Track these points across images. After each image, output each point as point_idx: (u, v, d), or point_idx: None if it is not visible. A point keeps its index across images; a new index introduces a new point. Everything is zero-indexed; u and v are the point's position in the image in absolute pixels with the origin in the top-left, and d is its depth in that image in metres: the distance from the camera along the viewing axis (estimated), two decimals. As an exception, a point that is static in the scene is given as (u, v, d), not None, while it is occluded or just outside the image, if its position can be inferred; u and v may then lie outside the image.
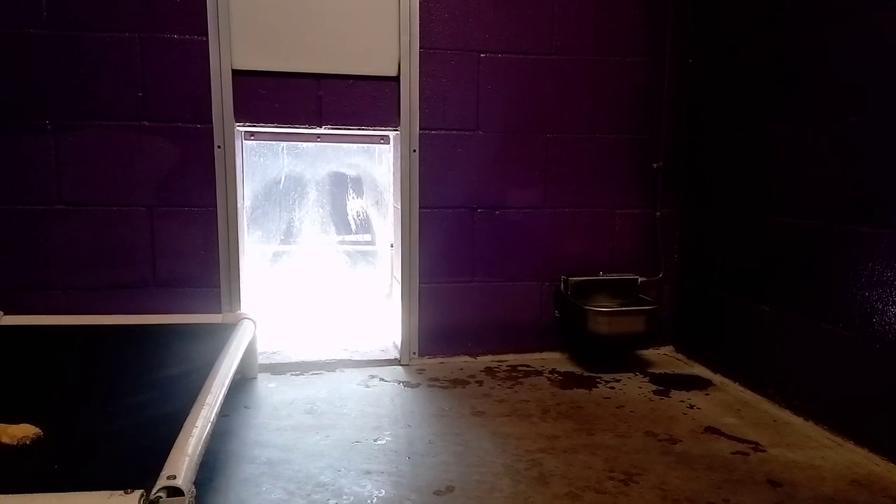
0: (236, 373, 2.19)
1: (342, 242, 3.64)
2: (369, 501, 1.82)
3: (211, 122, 2.80)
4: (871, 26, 2.16)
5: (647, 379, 2.94)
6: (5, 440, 1.56)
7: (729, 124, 2.91)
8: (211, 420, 1.67)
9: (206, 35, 2.74)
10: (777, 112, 2.60)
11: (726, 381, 2.91)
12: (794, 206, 2.52)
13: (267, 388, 2.73)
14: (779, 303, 2.60)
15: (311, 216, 3.57)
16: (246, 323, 2.68)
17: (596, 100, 3.13)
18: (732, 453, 2.17)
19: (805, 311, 2.47)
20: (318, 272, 3.62)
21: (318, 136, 3.05)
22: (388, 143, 3.22)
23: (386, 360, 3.10)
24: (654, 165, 3.22)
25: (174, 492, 1.30)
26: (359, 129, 2.98)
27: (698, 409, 2.57)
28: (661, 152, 3.23)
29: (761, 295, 2.71)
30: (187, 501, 1.31)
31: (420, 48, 2.93)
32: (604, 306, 3.06)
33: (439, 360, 3.14)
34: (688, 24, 3.16)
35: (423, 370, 3.01)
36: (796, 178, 2.51)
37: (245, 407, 2.51)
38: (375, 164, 3.57)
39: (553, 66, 3.07)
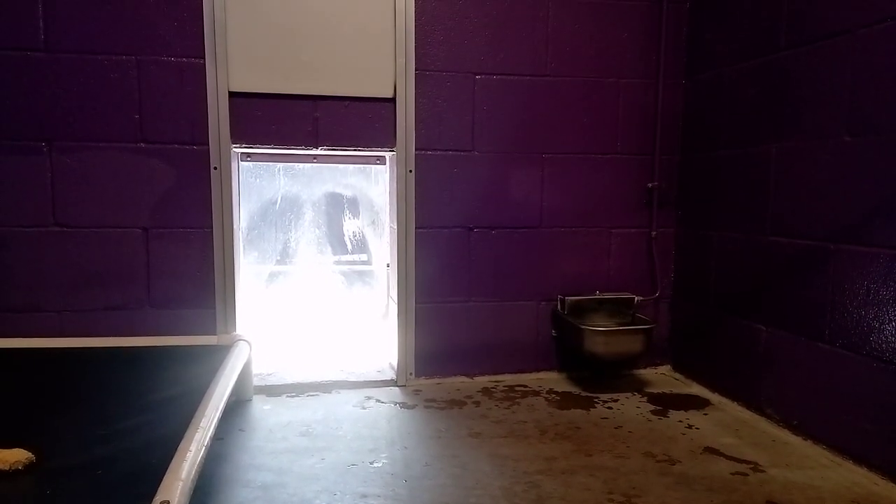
0: (231, 395, 2.17)
1: (338, 263, 3.63)
2: (365, 526, 1.80)
3: (207, 144, 2.81)
4: (862, 46, 2.19)
5: (645, 399, 2.92)
6: (-4, 465, 1.54)
7: (724, 143, 2.93)
8: (205, 444, 1.65)
9: (203, 57, 2.76)
10: (771, 131, 2.62)
11: (724, 400, 2.90)
12: (789, 224, 2.53)
13: (262, 411, 2.70)
14: (775, 322, 2.60)
15: (307, 237, 3.57)
16: (241, 344, 2.66)
17: (591, 120, 3.16)
18: (732, 474, 2.15)
19: (802, 330, 2.47)
20: (314, 293, 3.61)
21: (315, 157, 3.07)
22: (385, 164, 3.24)
23: (382, 381, 3.08)
24: (650, 185, 3.24)
25: (167, 517, 1.28)
26: (355, 150, 2.99)
27: (697, 429, 2.56)
28: (656, 172, 3.24)
29: (758, 314, 2.71)
30: (180, 527, 1.30)
31: (416, 70, 2.95)
32: (601, 325, 3.06)
33: (436, 380, 3.12)
34: (682, 44, 3.20)
35: (420, 391, 2.99)
36: (791, 197, 2.52)
37: (240, 430, 2.49)
38: (371, 185, 3.57)
39: (548, 86, 3.10)
